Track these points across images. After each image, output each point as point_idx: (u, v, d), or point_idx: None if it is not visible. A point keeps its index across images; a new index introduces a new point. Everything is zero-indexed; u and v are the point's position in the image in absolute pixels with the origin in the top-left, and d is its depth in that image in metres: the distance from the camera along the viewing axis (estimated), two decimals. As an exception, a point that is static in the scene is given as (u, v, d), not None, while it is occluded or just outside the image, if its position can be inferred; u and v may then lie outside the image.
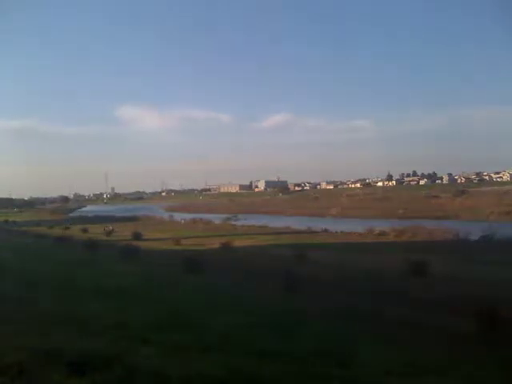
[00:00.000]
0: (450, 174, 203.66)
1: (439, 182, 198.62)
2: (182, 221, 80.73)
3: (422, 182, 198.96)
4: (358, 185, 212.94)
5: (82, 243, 38.46)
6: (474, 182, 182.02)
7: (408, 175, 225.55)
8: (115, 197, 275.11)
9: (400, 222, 54.02)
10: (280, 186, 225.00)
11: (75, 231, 61.45)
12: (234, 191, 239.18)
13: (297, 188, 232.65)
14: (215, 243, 39.84)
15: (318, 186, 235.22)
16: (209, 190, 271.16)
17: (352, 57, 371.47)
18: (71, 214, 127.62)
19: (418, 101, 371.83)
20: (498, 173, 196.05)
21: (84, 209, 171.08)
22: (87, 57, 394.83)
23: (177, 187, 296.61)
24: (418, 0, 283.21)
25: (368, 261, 29.75)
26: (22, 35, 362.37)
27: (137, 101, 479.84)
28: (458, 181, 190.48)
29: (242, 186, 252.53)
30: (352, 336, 9.87)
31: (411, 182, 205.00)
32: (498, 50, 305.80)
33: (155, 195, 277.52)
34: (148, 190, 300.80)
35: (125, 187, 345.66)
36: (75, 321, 8.61)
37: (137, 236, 48.86)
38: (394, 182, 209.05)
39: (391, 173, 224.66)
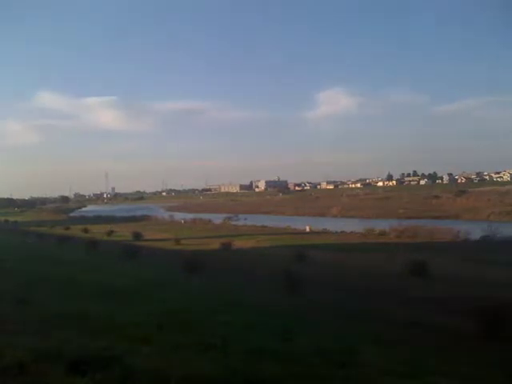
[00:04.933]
0: (450, 174, 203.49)
1: (439, 181, 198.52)
2: (183, 221, 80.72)
3: (422, 182, 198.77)
4: (359, 185, 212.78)
5: (83, 243, 38.54)
6: (475, 181, 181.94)
7: (408, 175, 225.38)
8: (115, 197, 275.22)
9: (400, 221, 53.96)
10: (280, 186, 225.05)
11: (76, 231, 61.53)
12: (235, 191, 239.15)
13: (297, 188, 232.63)
14: (216, 243, 39.87)
15: (318, 186, 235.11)
16: (209, 189, 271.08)
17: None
18: (72, 214, 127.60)
19: None
20: (498, 173, 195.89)
21: (84, 209, 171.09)
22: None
23: (177, 187, 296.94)
24: None
25: (368, 261, 29.78)
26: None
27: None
28: (459, 181, 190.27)
29: (242, 186, 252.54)
30: (353, 336, 9.88)
31: (411, 182, 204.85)
32: None
33: (156, 195, 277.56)
34: (148, 190, 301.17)
35: (125, 187, 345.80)
36: (76, 321, 8.62)
37: (137, 236, 48.92)
38: (394, 182, 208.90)
39: (391, 173, 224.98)
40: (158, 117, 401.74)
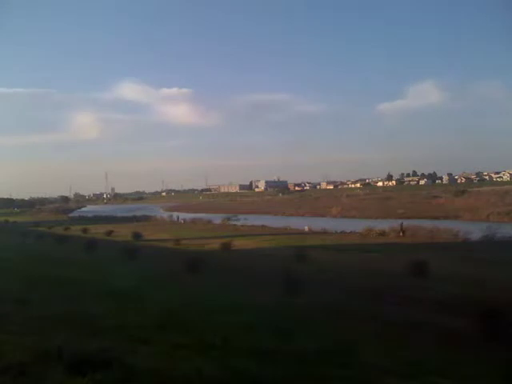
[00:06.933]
0: (450, 174, 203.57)
1: (439, 181, 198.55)
2: (182, 221, 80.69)
3: (422, 182, 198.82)
4: (358, 185, 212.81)
5: (82, 243, 38.50)
6: (474, 181, 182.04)
7: (408, 175, 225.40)
8: (115, 197, 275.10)
9: (400, 221, 53.89)
10: (280, 186, 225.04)
11: (75, 231, 61.49)
12: (234, 191, 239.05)
13: (297, 188, 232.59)
14: (215, 243, 39.84)
15: (318, 186, 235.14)
16: (209, 190, 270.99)
17: None
18: (71, 214, 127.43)
19: None
20: (498, 173, 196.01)
21: (84, 209, 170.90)
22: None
23: (177, 187, 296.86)
24: None
25: (368, 261, 29.76)
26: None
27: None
28: (458, 181, 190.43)
29: (242, 186, 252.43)
30: (353, 336, 9.88)
31: (411, 182, 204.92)
32: None
33: (155, 195, 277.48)
34: (148, 190, 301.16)
35: (125, 187, 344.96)
36: (76, 321, 8.62)
37: (137, 236, 48.91)
38: (394, 182, 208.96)
39: (391, 173, 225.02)
40: (226, 111, 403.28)
